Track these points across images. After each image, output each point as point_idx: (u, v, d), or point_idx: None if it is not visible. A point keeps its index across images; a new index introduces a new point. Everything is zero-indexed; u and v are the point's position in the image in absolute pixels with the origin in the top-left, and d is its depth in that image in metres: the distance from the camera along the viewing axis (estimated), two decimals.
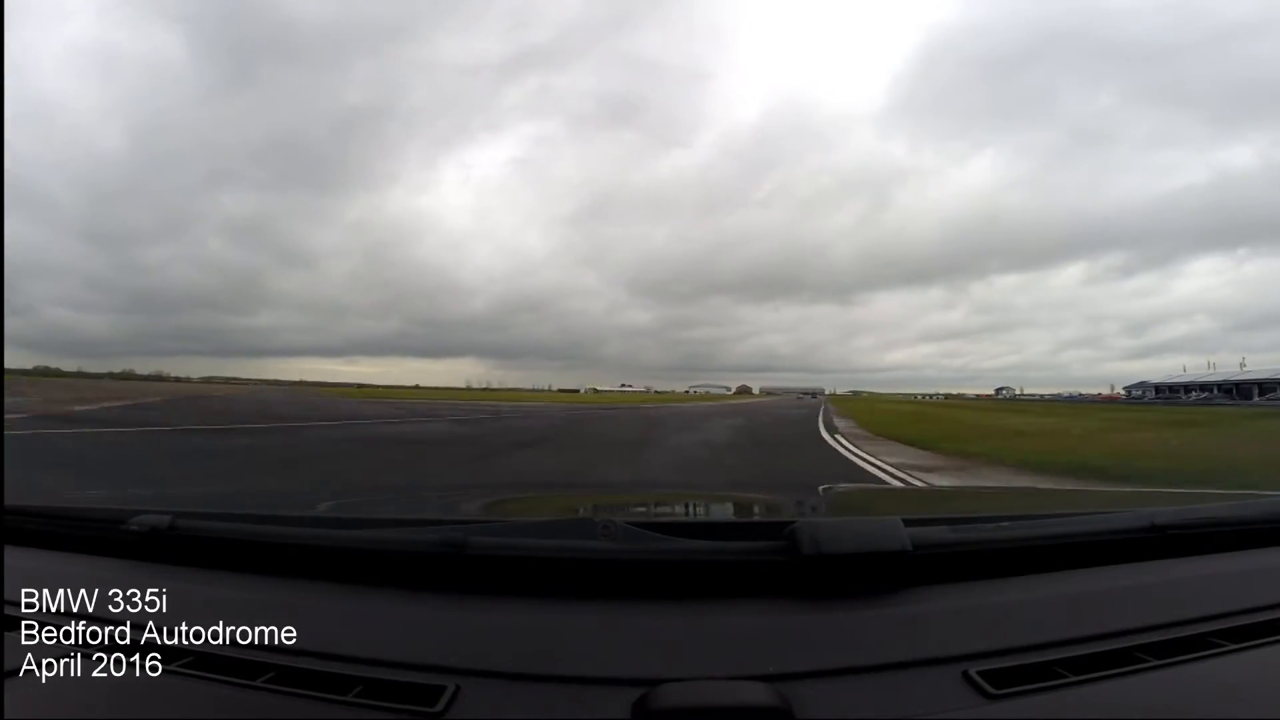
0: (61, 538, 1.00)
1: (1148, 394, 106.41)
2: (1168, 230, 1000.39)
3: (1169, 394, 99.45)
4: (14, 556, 0.88)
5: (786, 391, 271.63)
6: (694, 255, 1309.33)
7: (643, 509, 1.52)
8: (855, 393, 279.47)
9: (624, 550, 0.81)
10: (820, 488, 2.21)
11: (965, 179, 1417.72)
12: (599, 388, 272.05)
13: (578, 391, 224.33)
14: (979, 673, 0.64)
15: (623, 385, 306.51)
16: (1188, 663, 0.68)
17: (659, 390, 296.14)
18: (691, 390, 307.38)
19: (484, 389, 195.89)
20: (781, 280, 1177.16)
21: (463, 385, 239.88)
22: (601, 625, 0.73)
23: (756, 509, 1.73)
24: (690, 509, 1.61)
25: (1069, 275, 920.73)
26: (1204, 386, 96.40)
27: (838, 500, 1.93)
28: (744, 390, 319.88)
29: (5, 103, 1.04)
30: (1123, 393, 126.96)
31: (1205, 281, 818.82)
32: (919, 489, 5.93)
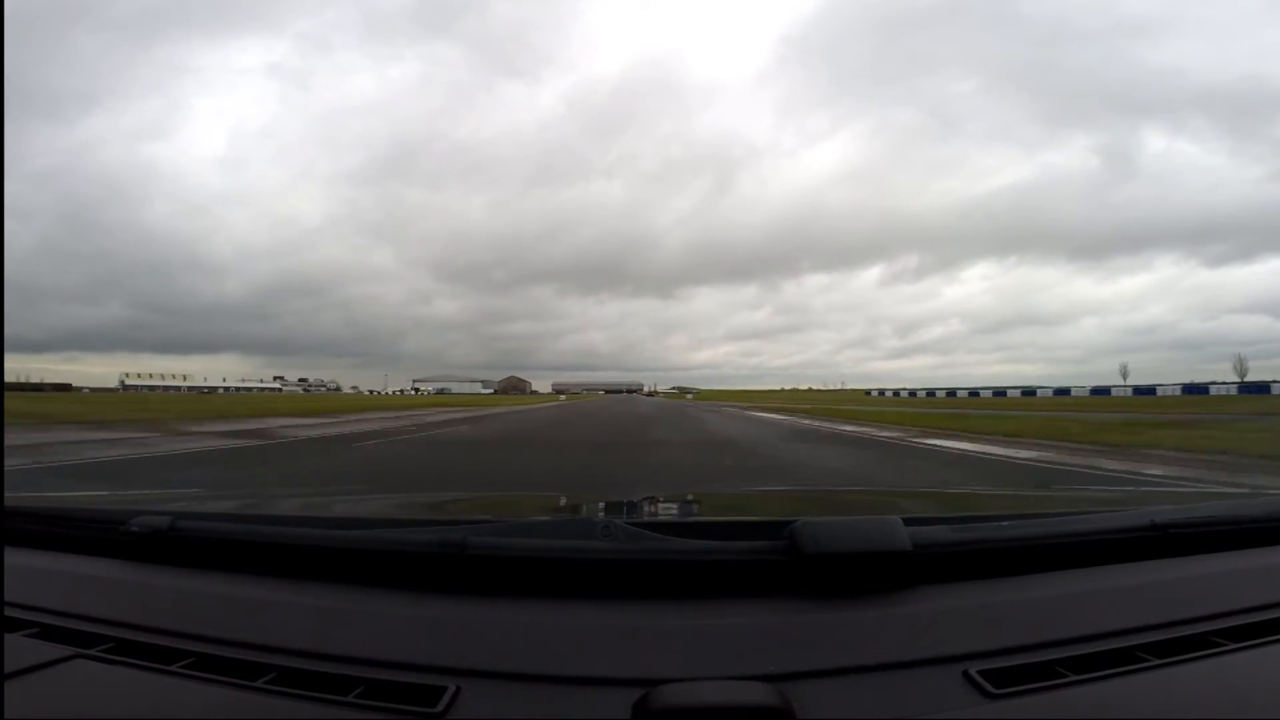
0: (62, 539, 1.00)
1: None
2: (966, 233, 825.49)
3: None
4: (14, 557, 0.89)
5: (593, 389, 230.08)
6: (519, 235, 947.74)
7: (643, 509, 1.53)
8: (683, 390, 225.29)
9: (624, 550, 0.81)
10: (821, 488, 2.22)
11: (810, 166, 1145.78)
12: (227, 384, 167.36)
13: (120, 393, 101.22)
14: (979, 672, 0.64)
15: (280, 378, 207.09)
16: (1188, 662, 0.68)
17: (368, 390, 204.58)
18: (416, 390, 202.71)
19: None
20: (610, 270, 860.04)
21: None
22: (601, 625, 0.73)
23: (756, 509, 1.73)
24: (690, 509, 1.61)
25: (868, 277, 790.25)
26: None
27: (838, 500, 1.93)
28: (513, 387, 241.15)
29: (5, 103, 1.04)
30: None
31: (973, 287, 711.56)
32: (920, 489, 5.89)
